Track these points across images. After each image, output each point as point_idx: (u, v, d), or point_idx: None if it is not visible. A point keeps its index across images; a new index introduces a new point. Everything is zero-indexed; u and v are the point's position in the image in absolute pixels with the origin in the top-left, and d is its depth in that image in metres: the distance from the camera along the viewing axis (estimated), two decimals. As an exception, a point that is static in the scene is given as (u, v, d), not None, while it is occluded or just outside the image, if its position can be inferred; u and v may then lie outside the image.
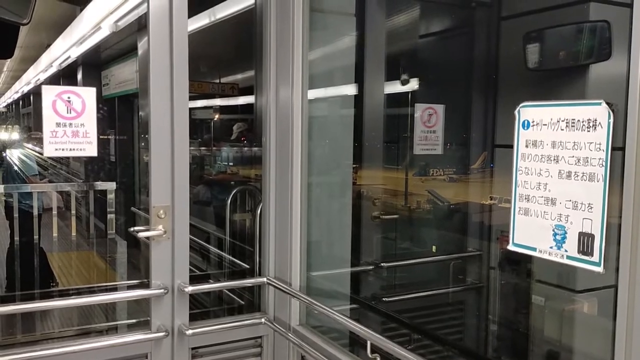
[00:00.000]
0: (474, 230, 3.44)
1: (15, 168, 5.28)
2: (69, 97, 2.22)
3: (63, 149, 2.22)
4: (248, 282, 3.00)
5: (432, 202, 3.76)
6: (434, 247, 3.69)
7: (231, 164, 6.42)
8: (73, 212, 4.59)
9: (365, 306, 3.15)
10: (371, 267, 3.35)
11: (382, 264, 3.38)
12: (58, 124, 2.21)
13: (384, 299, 3.26)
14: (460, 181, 3.65)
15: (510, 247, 1.51)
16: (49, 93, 2.21)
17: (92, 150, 2.29)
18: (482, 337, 3.38)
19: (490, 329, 3.29)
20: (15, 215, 3.98)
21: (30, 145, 6.41)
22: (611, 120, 1.28)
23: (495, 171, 3.18)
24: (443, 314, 3.37)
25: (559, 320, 2.70)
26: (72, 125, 2.23)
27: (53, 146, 2.20)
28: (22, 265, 3.93)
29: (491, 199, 3.20)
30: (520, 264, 2.92)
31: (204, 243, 4.48)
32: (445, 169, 3.67)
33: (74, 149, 2.24)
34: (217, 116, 7.51)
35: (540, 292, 2.76)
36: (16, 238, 3.98)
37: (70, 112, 2.22)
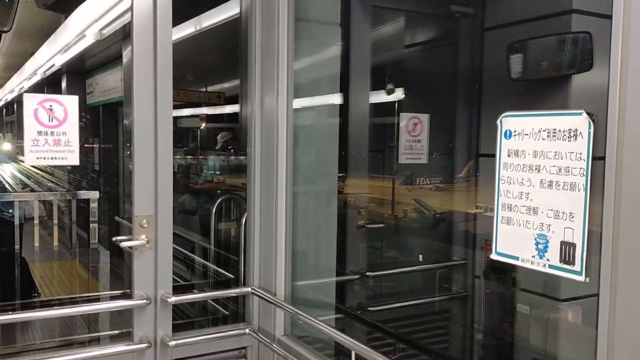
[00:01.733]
0: (460, 239, 3.45)
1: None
2: (50, 106, 2.20)
3: (44, 158, 2.20)
4: (232, 292, 2.98)
5: (419, 211, 3.77)
6: (420, 256, 3.70)
7: (217, 172, 6.40)
8: (55, 221, 4.53)
9: (350, 316, 3.14)
10: (357, 277, 3.34)
11: (367, 273, 3.37)
12: (39, 132, 2.18)
13: (369, 308, 3.26)
14: (446, 190, 3.66)
15: (493, 256, 1.51)
16: (31, 101, 2.19)
17: (73, 159, 2.27)
18: (468, 346, 3.38)
19: (476, 338, 3.30)
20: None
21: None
22: (592, 130, 1.29)
23: (481, 180, 3.20)
24: (428, 323, 3.37)
25: (543, 328, 2.71)
26: (53, 134, 2.20)
27: (34, 155, 2.18)
28: (3, 276, 3.87)
29: (477, 208, 3.21)
30: (505, 272, 2.94)
31: (188, 253, 4.44)
32: (431, 177, 3.69)
33: (55, 158, 2.22)
34: (203, 125, 7.49)
35: (525, 300, 2.77)
36: (-3, 247, 3.93)
37: (52, 121, 2.20)
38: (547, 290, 2.71)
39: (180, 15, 2.45)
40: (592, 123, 1.29)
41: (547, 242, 1.38)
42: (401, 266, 3.74)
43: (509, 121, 1.47)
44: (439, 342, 3.39)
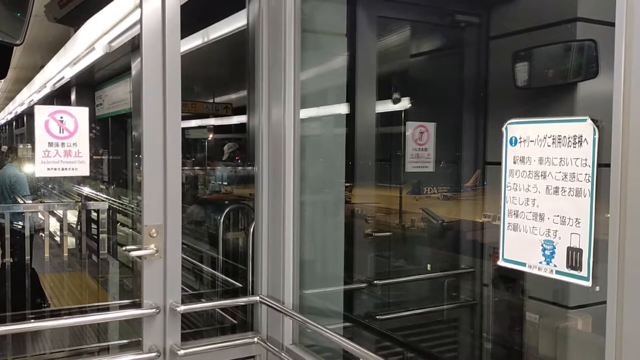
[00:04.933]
0: (467, 248, 3.45)
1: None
2: (61, 117, 2.23)
3: (55, 169, 2.23)
4: (241, 300, 2.98)
5: (427, 220, 3.77)
6: (428, 265, 3.69)
7: (225, 183, 6.43)
8: (65, 232, 4.56)
9: (358, 324, 3.14)
10: (364, 285, 3.35)
11: (375, 282, 3.37)
12: (50, 144, 2.21)
13: (377, 317, 3.25)
14: (454, 199, 3.66)
15: (500, 263, 1.52)
16: (42, 113, 2.22)
17: (84, 170, 2.30)
18: (477, 355, 3.37)
19: (485, 347, 3.28)
20: (7, 235, 3.95)
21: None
22: (596, 136, 1.30)
23: (489, 189, 3.20)
24: (437, 331, 3.36)
25: (552, 336, 2.70)
26: (64, 145, 2.23)
27: (45, 166, 2.20)
28: (13, 286, 3.90)
29: (484, 217, 3.21)
30: (513, 280, 2.93)
31: (197, 262, 4.46)
32: (439, 187, 3.69)
33: (66, 169, 2.24)
34: (211, 136, 7.54)
35: (533, 308, 2.76)
36: (8, 259, 3.96)
37: (62, 132, 2.23)
38: (556, 298, 2.70)
39: (188, 28, 2.48)
40: (596, 129, 1.30)
41: (554, 248, 1.38)
42: (409, 275, 3.74)
43: (515, 128, 1.48)
44: (448, 350, 3.37)
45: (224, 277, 3.96)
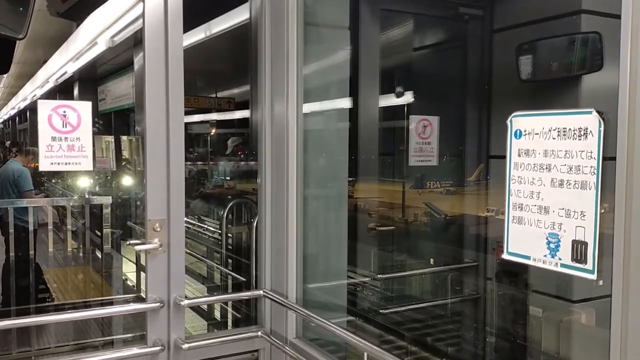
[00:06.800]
0: (471, 242, 3.44)
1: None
2: (64, 112, 2.23)
3: (58, 163, 2.23)
4: (244, 295, 2.99)
5: (430, 215, 3.77)
6: (431, 259, 3.69)
7: (228, 178, 6.43)
8: (69, 227, 4.57)
9: (362, 318, 3.14)
10: (367, 279, 3.35)
11: (378, 276, 3.38)
12: (53, 138, 2.21)
13: (380, 310, 3.26)
14: (457, 193, 3.66)
15: (505, 256, 1.51)
16: (45, 107, 2.22)
17: (87, 165, 2.29)
18: (480, 348, 3.37)
19: (488, 340, 3.29)
20: (11, 230, 3.96)
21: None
22: (602, 129, 1.29)
23: (493, 183, 3.19)
24: (440, 325, 3.37)
25: (556, 329, 2.70)
26: (67, 139, 2.23)
27: (48, 160, 2.20)
28: (17, 281, 3.92)
29: (488, 211, 3.21)
30: (517, 274, 2.93)
31: (200, 257, 4.47)
32: (442, 181, 3.68)
33: (69, 163, 2.24)
34: (213, 130, 7.54)
35: (537, 302, 2.76)
36: (12, 254, 3.97)
37: (65, 126, 2.23)
38: (560, 291, 2.70)
39: (191, 22, 2.47)
40: (602, 121, 1.29)
41: (559, 241, 1.38)
42: (412, 269, 3.74)
43: (519, 121, 1.47)
44: (451, 344, 3.37)
45: (227, 271, 3.97)
